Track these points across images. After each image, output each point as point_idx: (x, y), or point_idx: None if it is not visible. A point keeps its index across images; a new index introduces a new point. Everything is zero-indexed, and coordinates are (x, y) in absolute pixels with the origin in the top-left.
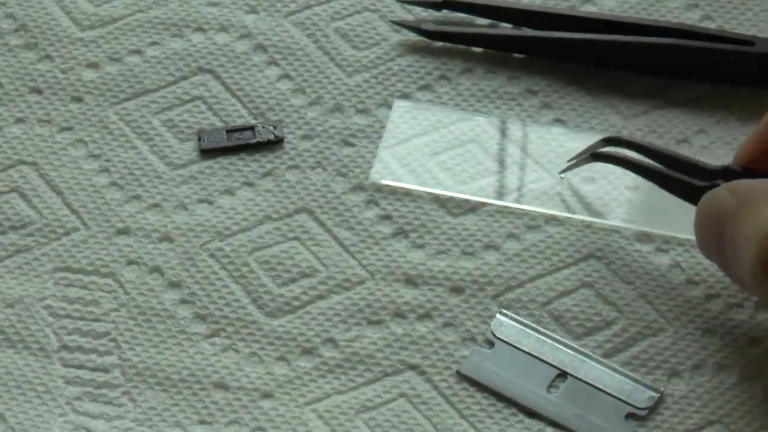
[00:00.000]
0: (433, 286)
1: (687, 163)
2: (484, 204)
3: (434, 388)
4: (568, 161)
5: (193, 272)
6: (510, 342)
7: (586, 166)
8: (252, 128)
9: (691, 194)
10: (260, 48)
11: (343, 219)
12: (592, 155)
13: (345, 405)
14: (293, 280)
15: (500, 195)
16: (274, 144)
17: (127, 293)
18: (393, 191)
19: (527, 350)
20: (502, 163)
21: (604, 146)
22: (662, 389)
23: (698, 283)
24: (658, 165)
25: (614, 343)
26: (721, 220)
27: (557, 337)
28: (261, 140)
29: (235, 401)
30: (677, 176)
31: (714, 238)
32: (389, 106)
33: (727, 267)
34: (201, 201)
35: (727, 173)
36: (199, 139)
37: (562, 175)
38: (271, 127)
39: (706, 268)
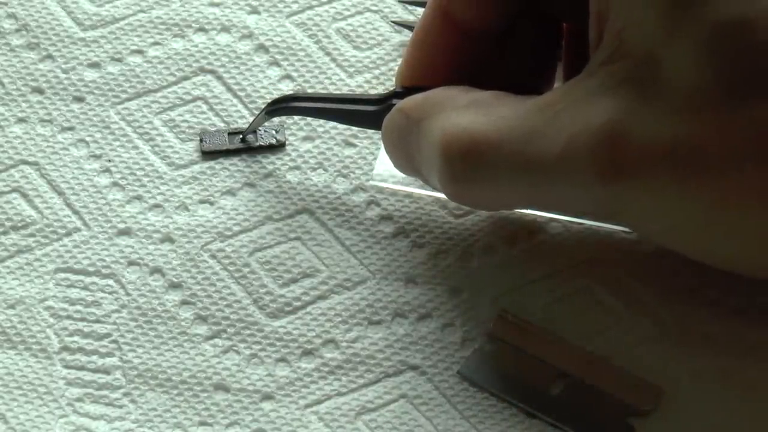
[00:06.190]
0: (434, 285)
1: (354, 99)
2: None
3: (435, 389)
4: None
5: (194, 273)
6: (511, 342)
7: None
8: (253, 132)
9: (373, 122)
10: (262, 48)
11: (344, 219)
12: (267, 113)
13: (346, 407)
14: (294, 281)
15: None
16: (275, 146)
17: (128, 294)
18: (394, 192)
19: (528, 351)
20: None
21: (275, 107)
22: (664, 391)
23: (700, 288)
24: (332, 105)
25: (615, 344)
26: (404, 143)
27: (558, 337)
28: (263, 144)
29: (236, 403)
30: (353, 108)
31: (405, 159)
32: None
33: (427, 182)
34: (202, 201)
35: (396, 96)
36: (201, 141)
37: (241, 136)
38: (273, 131)
39: (710, 274)
